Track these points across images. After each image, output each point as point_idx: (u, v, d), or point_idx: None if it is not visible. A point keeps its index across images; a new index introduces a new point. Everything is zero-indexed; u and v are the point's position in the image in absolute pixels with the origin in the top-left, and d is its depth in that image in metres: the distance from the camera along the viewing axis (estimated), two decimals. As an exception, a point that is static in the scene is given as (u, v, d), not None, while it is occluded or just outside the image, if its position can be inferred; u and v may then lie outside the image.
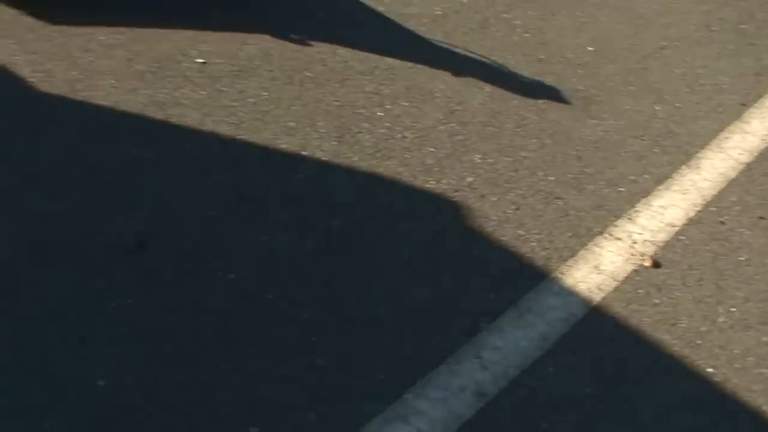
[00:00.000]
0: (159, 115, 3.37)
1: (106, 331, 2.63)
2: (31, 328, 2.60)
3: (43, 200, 2.97)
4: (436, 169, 3.37)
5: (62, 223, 2.91)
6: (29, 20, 3.67)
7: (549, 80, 3.90)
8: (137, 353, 2.59)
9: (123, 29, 3.73)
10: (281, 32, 3.90)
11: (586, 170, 3.49)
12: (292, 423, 2.50)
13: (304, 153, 3.33)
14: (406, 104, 3.64)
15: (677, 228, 3.31)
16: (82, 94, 3.40)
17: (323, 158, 3.32)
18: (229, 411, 2.50)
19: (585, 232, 3.24)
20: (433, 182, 3.31)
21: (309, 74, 3.70)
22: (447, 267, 3.02)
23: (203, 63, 3.67)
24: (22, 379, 2.48)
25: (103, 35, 3.69)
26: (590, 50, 4.10)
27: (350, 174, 3.28)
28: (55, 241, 2.85)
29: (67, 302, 2.69)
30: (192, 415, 2.47)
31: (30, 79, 3.42)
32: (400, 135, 3.48)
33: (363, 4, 4.12)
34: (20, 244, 2.82)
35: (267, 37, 3.87)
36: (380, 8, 4.12)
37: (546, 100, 3.79)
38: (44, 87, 3.40)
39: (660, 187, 3.49)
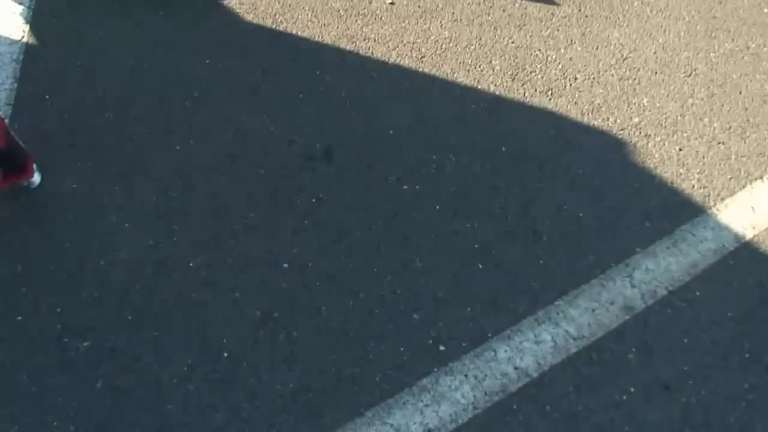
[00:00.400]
0: (349, 47, 3.68)
1: (292, 223, 2.98)
2: (225, 216, 2.97)
3: (244, 112, 3.33)
4: (604, 108, 3.54)
5: (260, 131, 3.27)
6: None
7: (721, 37, 3.97)
8: (318, 243, 2.92)
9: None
10: (465, -20, 4.14)
11: (751, 120, 3.57)
12: (449, 315, 2.77)
13: (479, 87, 3.57)
14: (580, 49, 3.81)
15: (840, 177, 3.37)
16: (283, 25, 3.75)
17: (497, 93, 3.55)
18: (394, 297, 2.79)
19: (744, 176, 3.34)
20: (601, 120, 3.48)
21: (488, 18, 3.92)
22: (607, 195, 3.20)
23: (391, 4, 3.95)
24: (217, 258, 2.85)
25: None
26: (765, 11, 4.13)
27: (521, 108, 3.50)
28: (253, 146, 3.21)
29: (261, 197, 3.04)
30: (364, 298, 2.78)
31: (237, 11, 3.80)
32: (571, 76, 3.67)
33: (545, -42, 4.32)
34: (223, 148, 3.20)
35: (452, -15, 4.12)
36: (562, -38, 4.31)
37: (716, 54, 3.88)
38: (249, 17, 3.77)
39: (826, 139, 3.54)
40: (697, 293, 2.93)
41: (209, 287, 2.75)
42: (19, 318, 2.61)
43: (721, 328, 2.84)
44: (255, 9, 3.80)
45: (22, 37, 3.53)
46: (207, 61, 3.52)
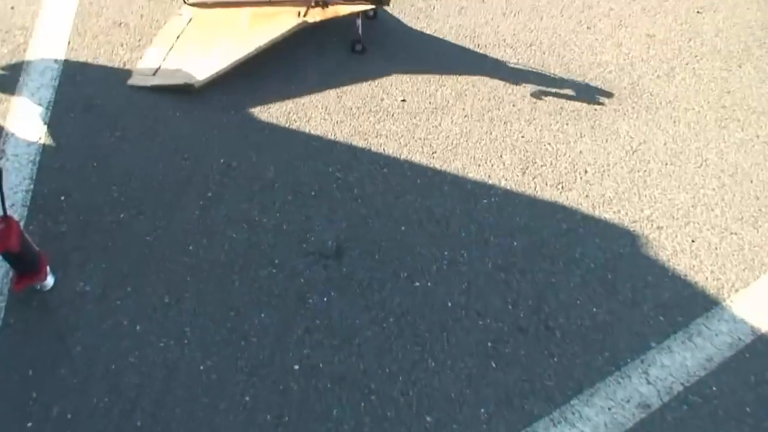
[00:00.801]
0: (361, 144, 3.73)
1: (303, 323, 2.97)
2: (237, 317, 2.98)
3: (258, 209, 3.36)
4: (615, 201, 3.55)
5: (273, 230, 3.29)
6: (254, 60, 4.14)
7: (731, 126, 4.00)
8: (330, 343, 2.91)
9: (321, 71, 4.12)
10: (474, 76, 4.20)
11: (763, 209, 3.57)
12: (464, 416, 2.74)
13: (490, 182, 3.59)
14: (590, 142, 3.83)
15: None
16: (296, 124, 3.80)
17: (507, 187, 3.57)
18: (407, 399, 2.77)
19: (758, 266, 3.32)
20: (612, 213, 3.49)
21: (498, 113, 3.96)
22: (620, 289, 3.18)
23: (403, 101, 4.01)
24: (227, 360, 2.84)
25: (315, 75, 4.10)
26: (775, 99, 4.18)
27: (532, 202, 3.51)
28: (265, 244, 3.23)
29: (272, 297, 3.05)
30: (375, 401, 2.76)
31: (251, 110, 3.86)
32: (582, 169, 3.69)
33: (553, 53, 4.37)
34: (236, 247, 3.22)
35: (462, 80, 4.18)
36: (570, 56, 4.35)
37: (727, 144, 3.89)
38: (263, 116, 3.83)
39: (839, 228, 3.53)
40: (714, 388, 2.89)
41: (219, 390, 2.73)
42: (30, 424, 2.60)
43: (740, 424, 2.79)
44: (269, 108, 3.87)
45: (40, 138, 3.60)
46: (221, 160, 3.57)
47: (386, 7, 4.38)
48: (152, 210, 3.32)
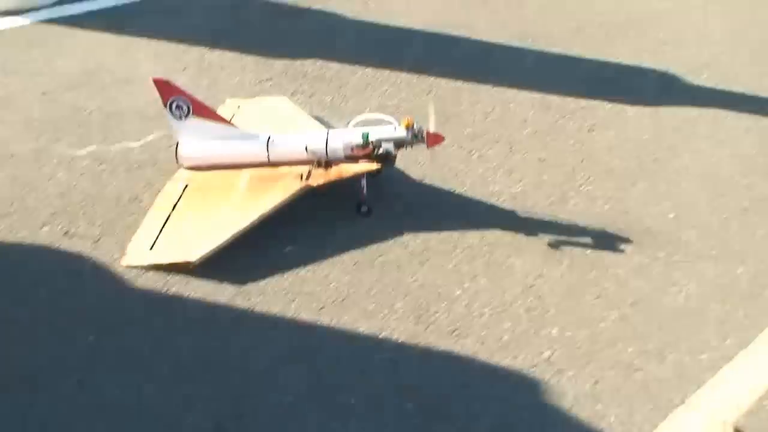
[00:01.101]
0: (245, 305, 3.54)
1: None
2: None
3: (128, 392, 3.12)
4: (512, 345, 3.39)
5: (143, 414, 3.05)
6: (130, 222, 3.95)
7: (628, 250, 3.90)
8: None
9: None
10: (363, 219, 4.06)
11: (666, 339, 3.44)
12: None
13: (381, 336, 3.42)
14: (485, 281, 3.70)
15: (761, 393, 3.20)
16: (174, 288, 3.61)
17: (400, 340, 3.40)
18: None
19: (666, 404, 3.17)
20: (510, 359, 3.33)
21: (390, 257, 3.82)
22: (522, 447, 3.01)
23: (290, 250, 3.84)
24: None
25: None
26: (671, 217, 4.09)
27: (426, 354, 3.34)
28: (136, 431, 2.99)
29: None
30: None
31: (125, 276, 3.66)
32: (477, 312, 3.54)
33: (444, 187, 4.27)
34: (106, 438, 2.98)
35: (351, 223, 4.04)
36: (462, 189, 4.25)
37: (626, 270, 3.79)
38: (139, 282, 3.63)
39: (743, 352, 3.39)
40: None
41: None
42: None
43: None
44: (145, 273, 3.67)
45: None
46: (90, 337, 3.35)
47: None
48: (10, 403, 3.06)
